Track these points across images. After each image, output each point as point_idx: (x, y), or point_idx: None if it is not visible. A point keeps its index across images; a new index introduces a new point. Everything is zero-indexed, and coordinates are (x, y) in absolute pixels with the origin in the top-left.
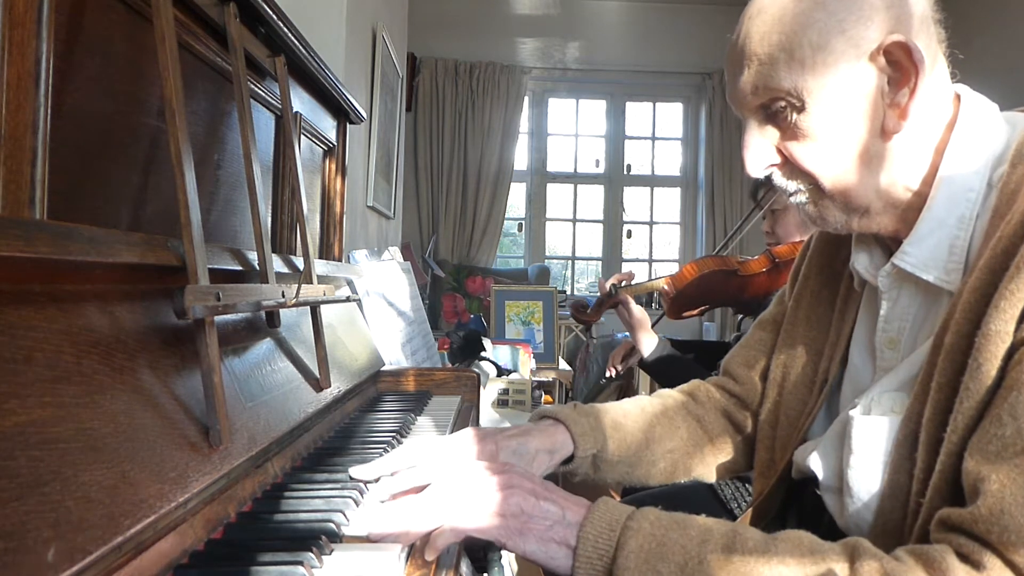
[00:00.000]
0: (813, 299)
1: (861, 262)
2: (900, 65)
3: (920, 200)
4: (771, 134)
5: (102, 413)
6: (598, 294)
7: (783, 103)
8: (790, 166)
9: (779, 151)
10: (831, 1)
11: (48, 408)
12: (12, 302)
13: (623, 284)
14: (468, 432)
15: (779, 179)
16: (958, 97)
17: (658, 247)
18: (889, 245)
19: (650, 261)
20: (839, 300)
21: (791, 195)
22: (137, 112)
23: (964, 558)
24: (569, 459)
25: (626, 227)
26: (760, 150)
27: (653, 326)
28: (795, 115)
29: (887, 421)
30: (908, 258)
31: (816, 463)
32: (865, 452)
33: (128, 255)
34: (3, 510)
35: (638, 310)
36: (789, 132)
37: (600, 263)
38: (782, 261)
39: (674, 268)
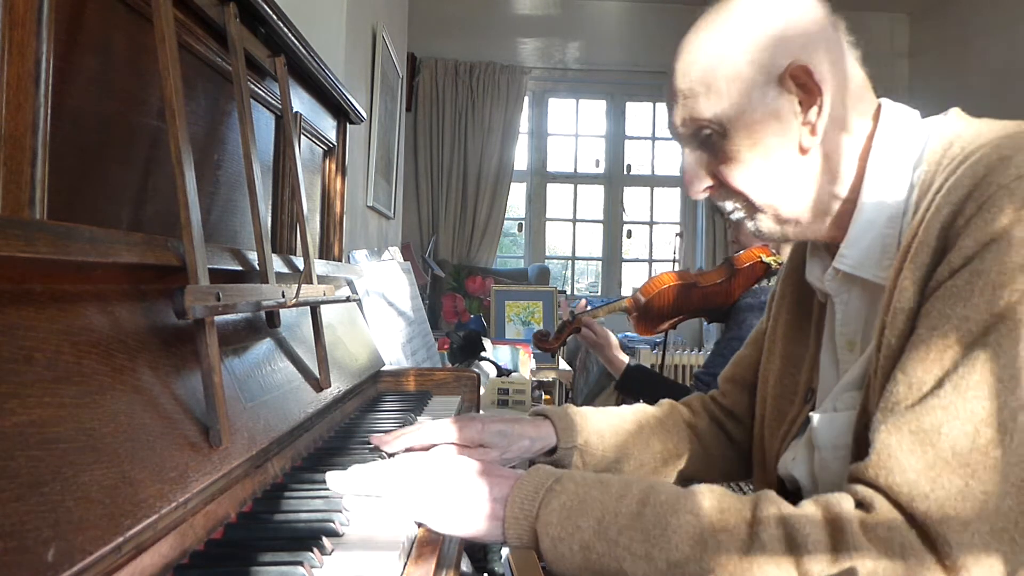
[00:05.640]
0: (790, 315)
1: (814, 273)
2: (807, 87)
3: (851, 206)
4: (703, 160)
5: (102, 413)
6: (598, 294)
7: (708, 131)
8: (723, 187)
9: (712, 175)
10: (739, 35)
11: (48, 408)
12: (12, 302)
13: (580, 312)
14: (455, 417)
15: (717, 199)
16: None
17: (658, 247)
18: (834, 252)
19: (650, 261)
20: (814, 313)
21: (730, 213)
22: (137, 112)
23: (859, 504)
24: (553, 451)
25: (626, 227)
26: (696, 175)
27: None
28: (720, 140)
29: (844, 416)
30: (846, 260)
31: (796, 469)
32: (828, 449)
33: (128, 255)
34: (3, 510)
35: (602, 331)
36: (718, 156)
37: (600, 263)
38: (740, 267)
39: (672, 268)
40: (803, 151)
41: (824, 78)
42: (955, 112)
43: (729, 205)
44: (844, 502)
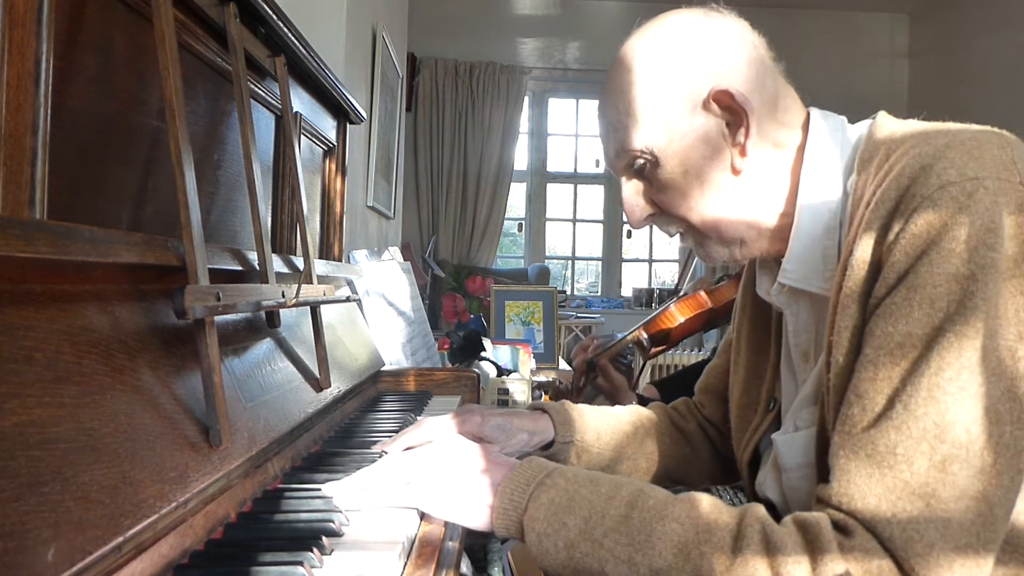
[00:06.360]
0: (750, 326)
1: (763, 287)
2: (732, 109)
3: (790, 220)
4: (641, 189)
5: (102, 413)
6: (598, 294)
7: (641, 160)
8: (664, 214)
9: (652, 202)
10: (659, 65)
11: (48, 408)
12: (12, 302)
13: (598, 352)
14: (456, 412)
15: (660, 225)
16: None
17: (658, 247)
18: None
19: (650, 261)
20: (772, 323)
21: (677, 235)
22: (137, 112)
23: (835, 525)
24: (550, 444)
25: (626, 227)
26: (635, 204)
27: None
28: (654, 169)
29: (804, 435)
30: (789, 274)
31: (768, 490)
32: (793, 469)
33: (128, 255)
34: (3, 510)
35: (617, 378)
36: (654, 185)
37: (600, 263)
38: None
39: (673, 268)
40: (736, 172)
41: (747, 99)
42: (882, 115)
43: (673, 229)
44: (824, 523)
